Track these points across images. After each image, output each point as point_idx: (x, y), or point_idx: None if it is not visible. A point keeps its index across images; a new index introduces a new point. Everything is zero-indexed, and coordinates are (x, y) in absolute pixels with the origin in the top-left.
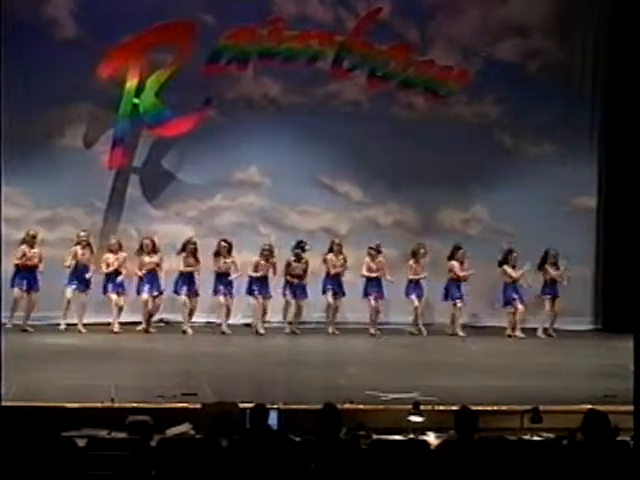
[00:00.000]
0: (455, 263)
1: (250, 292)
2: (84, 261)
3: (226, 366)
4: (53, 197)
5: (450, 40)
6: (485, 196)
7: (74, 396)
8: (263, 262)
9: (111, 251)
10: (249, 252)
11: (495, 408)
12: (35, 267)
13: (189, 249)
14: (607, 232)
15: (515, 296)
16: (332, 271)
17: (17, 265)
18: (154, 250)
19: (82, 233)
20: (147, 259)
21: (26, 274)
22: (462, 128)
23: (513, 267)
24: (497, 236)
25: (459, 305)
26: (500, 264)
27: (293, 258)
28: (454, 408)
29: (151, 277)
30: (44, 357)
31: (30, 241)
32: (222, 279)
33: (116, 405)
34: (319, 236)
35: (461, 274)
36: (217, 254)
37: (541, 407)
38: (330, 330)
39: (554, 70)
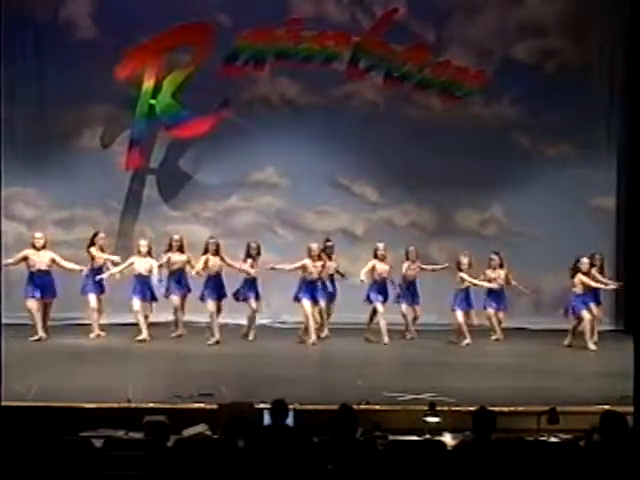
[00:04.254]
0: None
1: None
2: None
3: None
4: (70, 198)
5: (467, 41)
6: (502, 197)
7: (92, 396)
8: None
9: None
10: (266, 253)
11: (512, 409)
12: (47, 272)
13: (211, 250)
14: (627, 233)
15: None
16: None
17: (30, 272)
18: (182, 249)
19: (101, 235)
20: (177, 257)
21: (38, 280)
22: (479, 129)
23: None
24: (514, 237)
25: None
26: (574, 273)
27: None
28: (471, 409)
29: (179, 276)
30: (62, 358)
31: (36, 244)
32: (251, 282)
33: (133, 405)
34: (336, 237)
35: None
36: (248, 256)
37: (558, 408)
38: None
39: (571, 70)
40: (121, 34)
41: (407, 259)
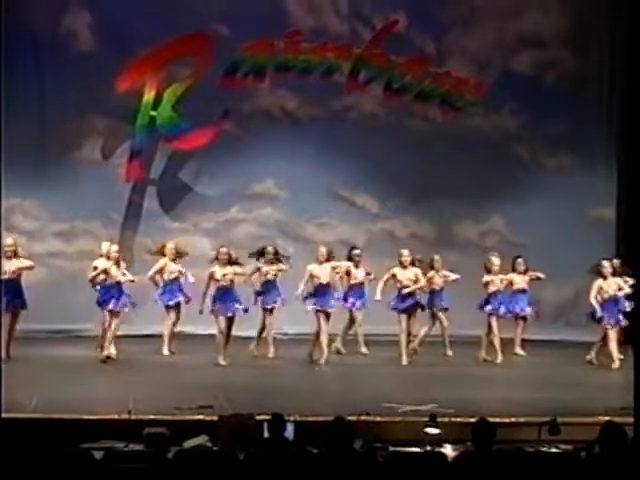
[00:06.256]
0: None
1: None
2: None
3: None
4: (70, 209)
5: (466, 52)
6: (502, 208)
7: (92, 408)
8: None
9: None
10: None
11: (513, 420)
12: (16, 280)
13: (221, 259)
14: (627, 243)
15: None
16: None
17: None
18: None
19: (114, 247)
20: (172, 267)
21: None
22: (479, 140)
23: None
24: (514, 248)
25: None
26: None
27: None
28: (471, 420)
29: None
30: (63, 369)
31: (7, 252)
32: (269, 286)
33: (133, 417)
34: (337, 248)
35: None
36: (263, 259)
37: (559, 419)
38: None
39: (570, 81)
40: (121, 46)
41: (432, 268)
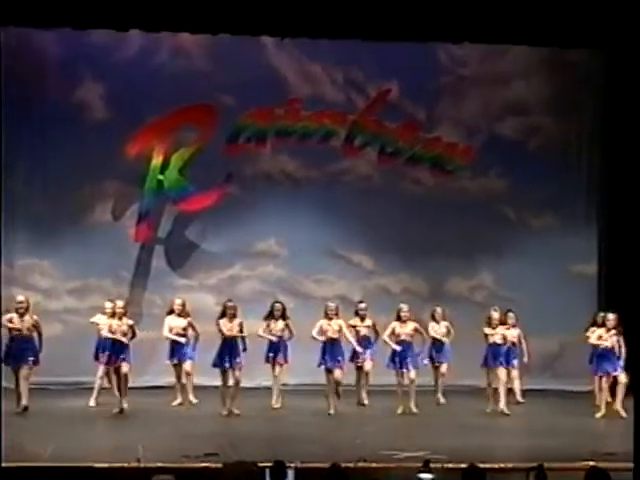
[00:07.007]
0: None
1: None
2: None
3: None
4: (83, 268)
5: (455, 118)
6: (491, 265)
7: (103, 457)
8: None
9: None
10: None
11: (502, 466)
12: (28, 337)
13: (229, 314)
14: (607, 298)
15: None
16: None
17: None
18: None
19: (119, 303)
20: (177, 322)
21: (19, 345)
22: (468, 201)
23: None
24: (502, 303)
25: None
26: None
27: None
28: (462, 466)
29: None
30: (75, 420)
31: (20, 309)
32: (275, 344)
33: (142, 465)
34: (334, 303)
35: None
36: (269, 317)
37: (545, 465)
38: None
39: (552, 147)
40: (131, 114)
41: (433, 319)
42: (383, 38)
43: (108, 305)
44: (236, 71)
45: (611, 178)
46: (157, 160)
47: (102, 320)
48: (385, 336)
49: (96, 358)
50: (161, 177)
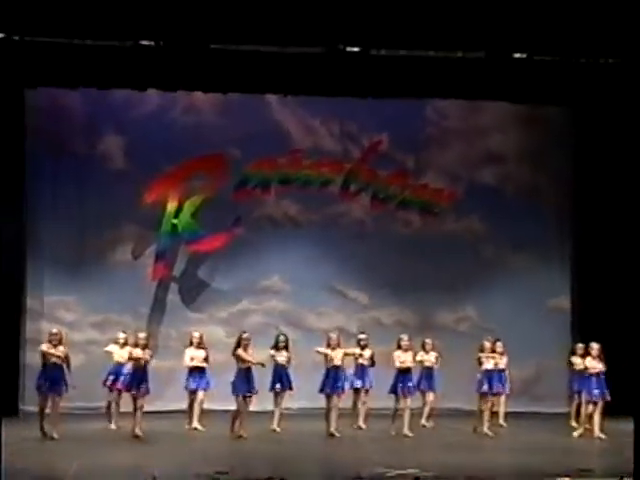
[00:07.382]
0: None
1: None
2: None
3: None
4: (105, 304)
5: (440, 166)
6: (474, 299)
7: (122, 476)
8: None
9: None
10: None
11: None
12: (60, 367)
13: (243, 344)
14: (581, 329)
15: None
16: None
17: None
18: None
19: (141, 335)
20: (194, 353)
21: (50, 373)
22: (453, 241)
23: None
24: (485, 333)
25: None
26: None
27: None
28: None
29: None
30: (98, 441)
31: (53, 340)
32: (279, 372)
33: None
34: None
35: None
36: (276, 347)
37: None
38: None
39: (527, 192)
40: (148, 165)
41: (423, 349)
42: (374, 95)
43: (121, 335)
44: (243, 125)
45: (581, 220)
46: (172, 206)
47: (115, 349)
48: (396, 363)
49: (107, 383)
50: (175, 221)
